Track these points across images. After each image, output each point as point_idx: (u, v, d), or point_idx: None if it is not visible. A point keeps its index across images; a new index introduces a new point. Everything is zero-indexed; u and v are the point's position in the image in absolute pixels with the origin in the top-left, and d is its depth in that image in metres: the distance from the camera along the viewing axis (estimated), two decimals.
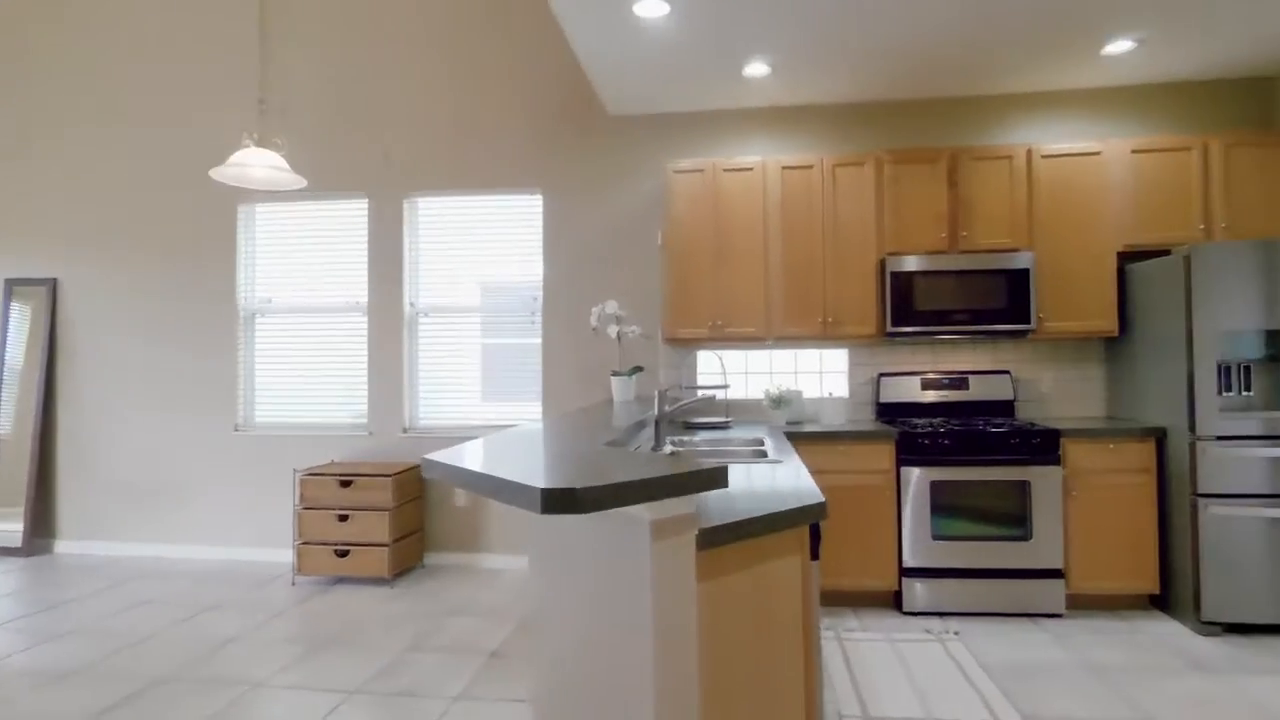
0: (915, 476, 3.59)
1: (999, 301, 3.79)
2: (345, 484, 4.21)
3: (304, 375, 4.88)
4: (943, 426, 3.64)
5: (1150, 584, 3.50)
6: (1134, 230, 3.80)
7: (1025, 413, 4.17)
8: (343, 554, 4.17)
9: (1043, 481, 3.51)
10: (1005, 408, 4.08)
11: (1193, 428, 3.29)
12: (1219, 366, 3.25)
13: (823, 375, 4.37)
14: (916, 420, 3.94)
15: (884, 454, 3.64)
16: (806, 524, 1.65)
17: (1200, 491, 3.27)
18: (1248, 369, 3.24)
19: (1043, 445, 3.52)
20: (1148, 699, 2.67)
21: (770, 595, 1.56)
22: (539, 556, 1.95)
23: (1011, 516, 3.53)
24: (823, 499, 1.74)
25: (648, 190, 4.48)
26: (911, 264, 3.84)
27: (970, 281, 3.80)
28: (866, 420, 4.18)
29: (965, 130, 4.30)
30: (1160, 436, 3.51)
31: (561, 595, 1.74)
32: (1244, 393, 3.24)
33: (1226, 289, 3.23)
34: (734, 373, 4.38)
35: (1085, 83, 4.09)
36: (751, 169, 4.04)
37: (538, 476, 1.23)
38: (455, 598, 3.96)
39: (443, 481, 1.60)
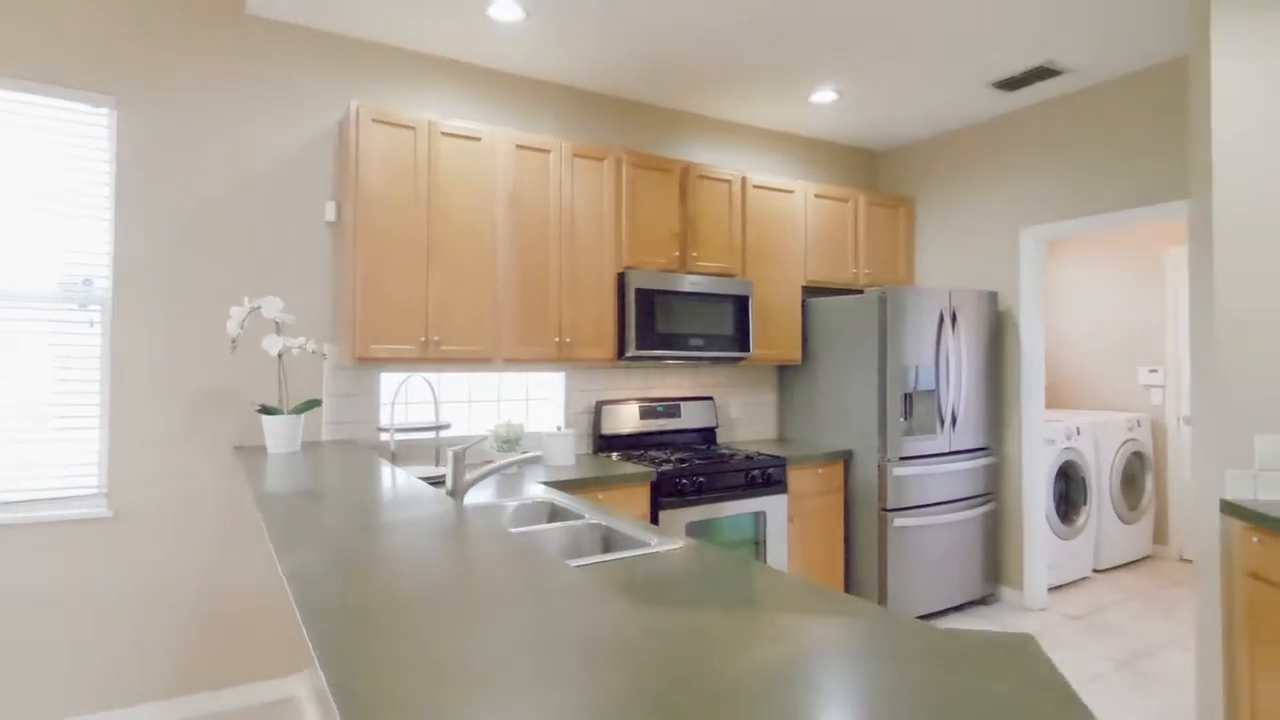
0: (672, 520, 3.19)
1: (727, 328, 3.69)
2: None
3: None
4: (688, 463, 3.34)
5: (839, 588, 3.80)
6: (814, 268, 4.14)
7: (721, 438, 4.20)
8: None
9: (774, 509, 3.50)
10: (710, 434, 4.02)
11: (883, 450, 3.69)
12: (903, 395, 3.71)
13: (529, 403, 3.65)
14: (656, 454, 3.55)
15: (641, 497, 3.15)
16: None
17: (887, 507, 3.68)
18: (910, 397, 3.78)
19: (775, 476, 3.51)
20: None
21: None
22: None
23: (749, 544, 3.43)
24: None
25: (314, 137, 3.09)
26: (653, 281, 3.45)
27: (704, 305, 3.61)
28: (604, 457, 3.62)
29: (695, 148, 4.16)
30: (848, 459, 3.86)
31: None
32: (907, 419, 3.77)
33: (905, 326, 3.72)
34: (416, 403, 3.32)
35: (795, 126, 4.34)
36: (480, 139, 3.10)
37: None
38: None
39: None
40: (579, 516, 2.27)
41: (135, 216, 2.74)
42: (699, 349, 3.58)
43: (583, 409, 3.71)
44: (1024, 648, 0.88)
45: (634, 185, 3.51)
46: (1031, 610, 3.98)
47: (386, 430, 2.92)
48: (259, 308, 2.63)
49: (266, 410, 2.66)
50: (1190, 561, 4.93)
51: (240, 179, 2.92)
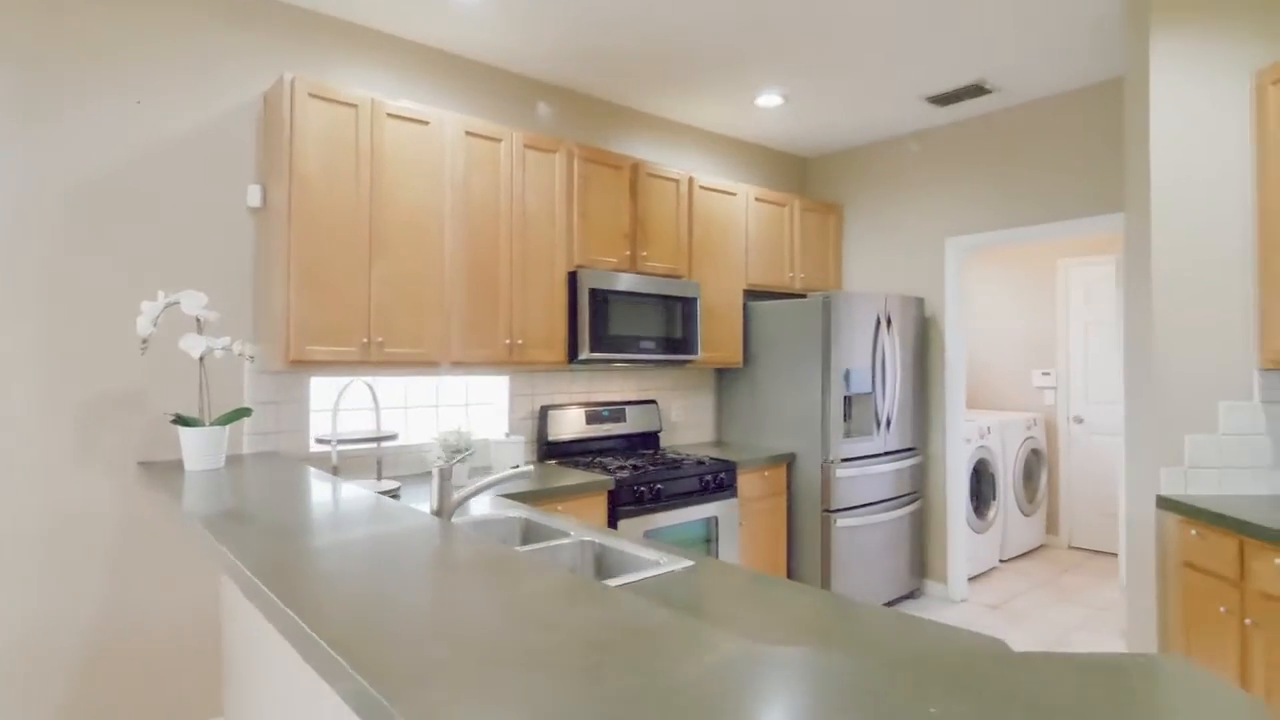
0: (631, 528, 3.08)
1: (677, 330, 3.62)
2: None
3: None
4: (644, 470, 3.23)
5: None
6: (755, 271, 4.15)
7: (664, 441, 4.12)
8: None
9: (726, 513, 3.47)
10: (654, 438, 3.94)
11: (826, 453, 3.74)
12: (845, 398, 3.78)
13: (469, 409, 3.42)
14: (606, 460, 3.40)
15: (599, 506, 3.01)
16: None
17: (830, 508, 3.73)
18: (850, 399, 3.87)
19: (727, 480, 3.48)
20: None
21: None
22: None
23: (701, 549, 3.37)
24: None
25: (232, 110, 2.72)
26: (606, 281, 3.32)
27: (655, 307, 3.51)
28: (551, 464, 3.43)
29: (638, 144, 4.06)
30: (791, 461, 3.89)
31: None
32: (848, 421, 3.85)
33: (845, 330, 3.79)
34: (350, 410, 3.02)
35: (734, 129, 4.31)
36: (428, 123, 2.85)
37: None
38: None
39: None
40: (562, 534, 2.11)
41: (2, 201, 2.30)
42: (650, 352, 3.49)
43: (526, 414, 3.52)
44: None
45: (585, 180, 3.37)
46: (955, 602, 4.18)
47: (326, 441, 2.62)
48: (177, 303, 2.27)
49: (183, 421, 2.30)
50: (1080, 549, 5.37)
51: (140, 155, 2.52)
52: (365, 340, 2.67)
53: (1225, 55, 2.58)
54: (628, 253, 3.53)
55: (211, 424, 2.33)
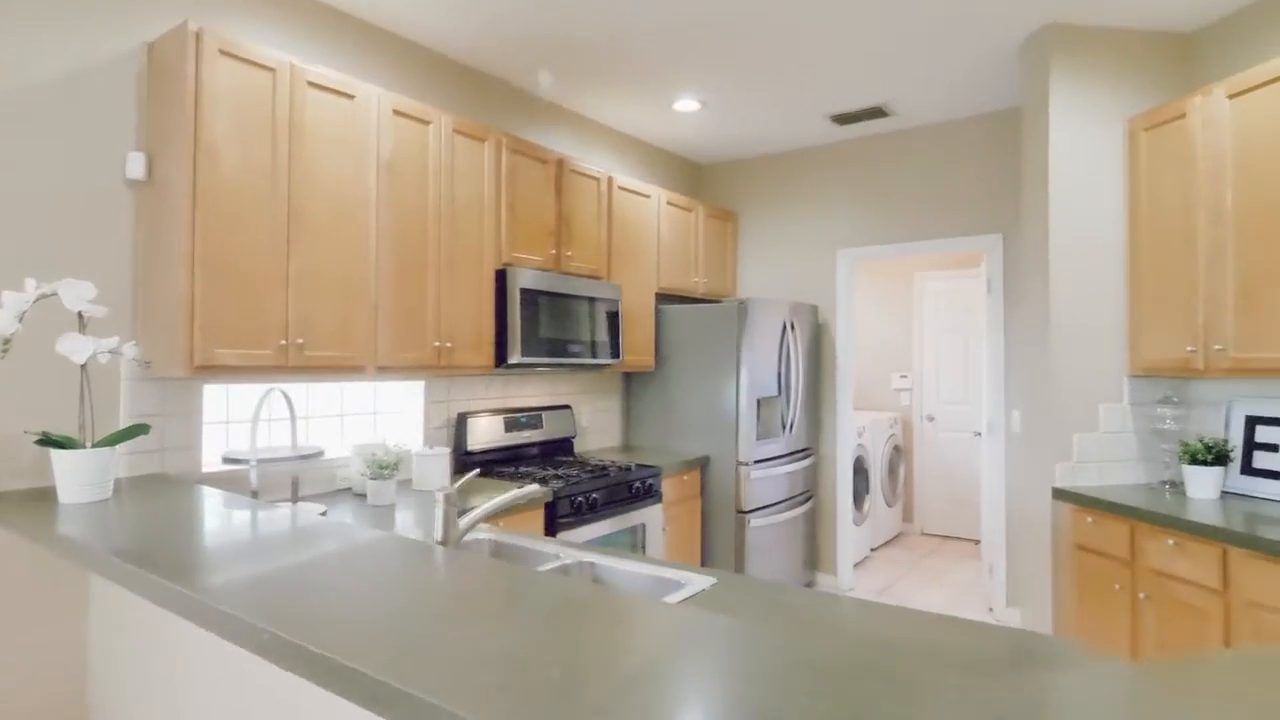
0: (570, 540, 2.94)
1: (602, 333, 3.52)
2: None
3: None
4: (578, 480, 3.10)
5: None
6: (665, 274, 4.15)
7: (578, 447, 3.98)
8: None
9: (652, 520, 3.42)
10: (568, 444, 3.80)
11: (740, 455, 3.82)
12: (756, 401, 3.88)
13: (376, 418, 3.10)
14: (529, 469, 3.20)
15: (536, 520, 2.84)
16: None
17: (743, 509, 3.82)
18: (760, 402, 3.98)
19: (654, 486, 3.43)
20: None
21: None
22: None
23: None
24: None
25: (111, 59, 2.23)
26: (536, 280, 3.15)
27: (581, 308, 3.39)
28: (473, 477, 3.17)
29: (564, 142, 3.90)
30: (704, 464, 3.93)
31: None
32: (757, 424, 3.96)
33: (757, 335, 3.89)
34: (241, 422, 2.61)
35: (649, 133, 4.23)
36: (354, 97, 2.53)
37: None
38: None
39: None
40: (549, 557, 1.95)
41: None
42: (577, 356, 3.36)
43: (442, 423, 3.25)
44: None
45: (513, 173, 3.17)
46: (845, 591, 4.45)
47: (238, 460, 2.22)
48: (54, 294, 1.81)
49: (54, 442, 1.85)
50: (932, 535, 5.95)
51: None
52: (283, 342, 2.31)
53: (1107, 101, 2.96)
54: (553, 251, 3.38)
55: (96, 445, 1.89)
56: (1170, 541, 2.40)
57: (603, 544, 3.10)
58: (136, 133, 2.29)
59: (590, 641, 0.96)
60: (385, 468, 2.56)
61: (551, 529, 2.88)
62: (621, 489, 3.23)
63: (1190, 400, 2.96)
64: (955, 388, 5.82)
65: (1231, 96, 2.50)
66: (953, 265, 5.87)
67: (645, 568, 1.78)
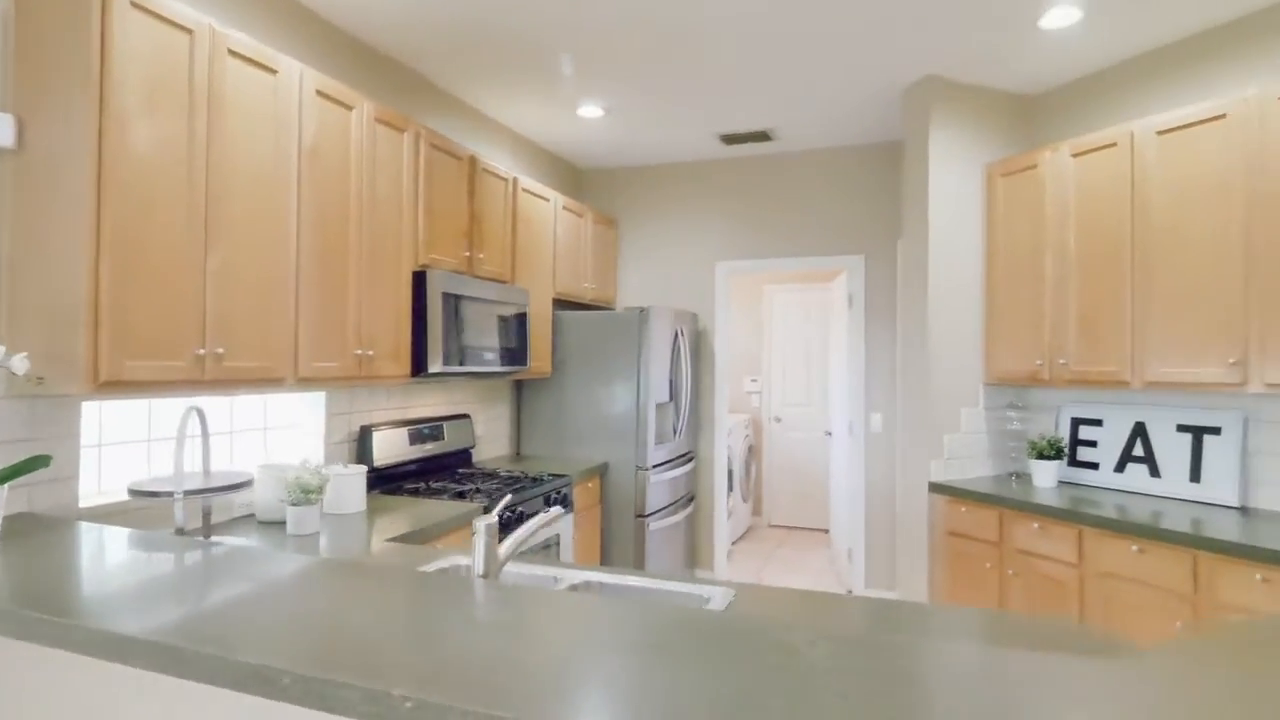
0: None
1: (513, 339, 3.40)
2: None
3: None
4: (500, 493, 2.98)
5: None
6: (561, 279, 4.10)
7: (476, 457, 3.80)
8: None
9: (565, 529, 3.38)
10: (467, 455, 3.62)
11: (641, 460, 3.89)
12: (655, 406, 3.97)
13: (267, 434, 2.76)
14: (440, 484, 3.00)
15: (467, 539, 2.69)
16: None
17: (643, 513, 3.89)
18: (657, 408, 4.08)
19: (568, 495, 3.39)
20: None
21: None
22: None
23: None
24: None
25: None
26: (455, 284, 2.97)
27: (495, 313, 3.25)
28: (381, 495, 2.89)
29: (478, 143, 3.71)
30: (604, 471, 3.94)
31: None
32: (656, 429, 4.06)
33: (654, 342, 3.99)
34: (115, 444, 2.20)
35: (549, 135, 4.10)
36: (277, 71, 2.22)
37: None
38: None
39: None
40: (545, 579, 1.87)
41: None
42: (492, 363, 3.22)
43: (343, 437, 2.95)
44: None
45: (431, 168, 2.96)
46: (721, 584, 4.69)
47: (152, 492, 1.84)
48: None
49: None
50: (779, 527, 6.44)
51: None
52: (201, 351, 1.98)
53: (973, 148, 3.44)
54: (466, 254, 3.20)
55: None
56: (1035, 525, 2.86)
57: (530, 556, 3.00)
58: (2, 87, 1.83)
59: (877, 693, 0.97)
60: (310, 492, 2.28)
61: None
62: (538, 501, 3.15)
63: (1030, 405, 3.54)
64: (799, 391, 6.37)
65: (1075, 155, 3.04)
66: (799, 279, 6.42)
67: (656, 584, 1.79)
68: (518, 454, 4.18)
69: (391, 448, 3.06)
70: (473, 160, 3.25)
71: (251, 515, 2.48)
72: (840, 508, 4.80)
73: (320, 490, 2.30)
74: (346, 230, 2.51)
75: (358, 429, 3.01)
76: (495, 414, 4.06)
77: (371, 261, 2.63)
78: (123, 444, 2.20)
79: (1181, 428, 2.92)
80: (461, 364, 2.99)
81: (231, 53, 2.07)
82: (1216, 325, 2.56)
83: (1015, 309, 3.30)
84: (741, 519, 5.95)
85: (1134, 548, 2.51)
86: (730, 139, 4.30)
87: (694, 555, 4.67)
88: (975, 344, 3.46)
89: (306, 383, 2.34)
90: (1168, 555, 2.41)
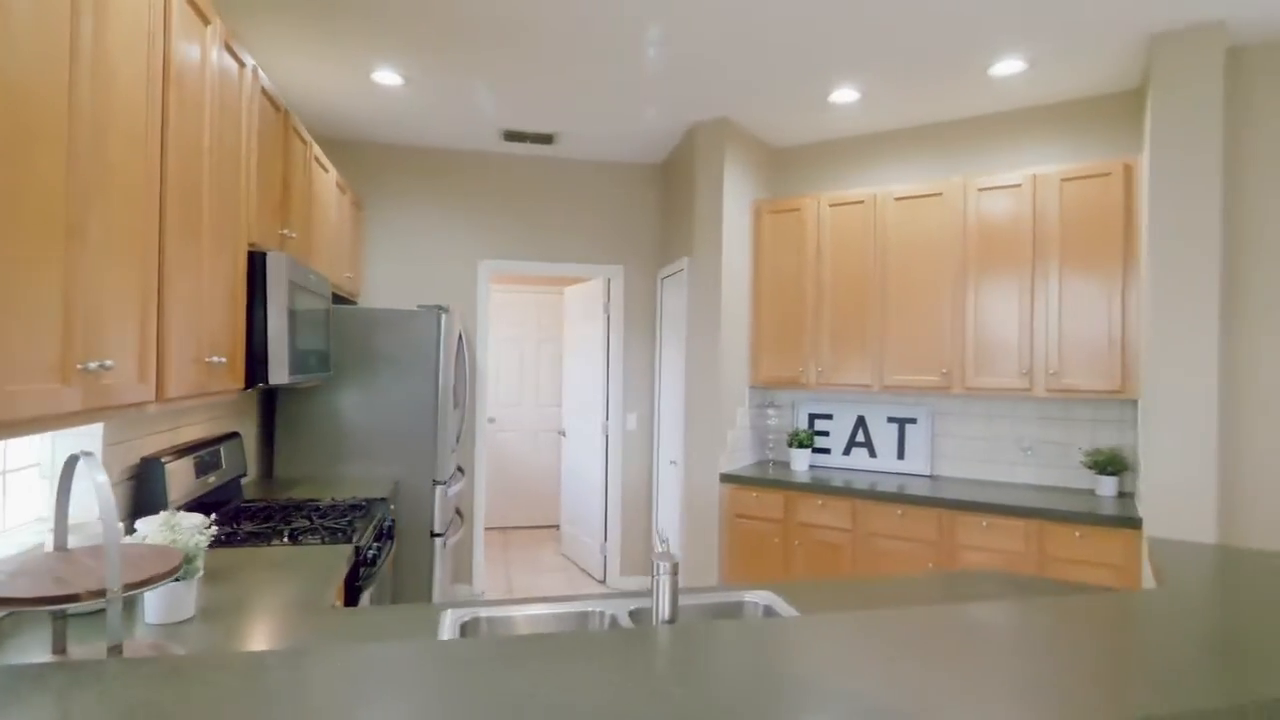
0: (370, 598, 2.34)
1: (325, 340, 2.79)
2: None
3: None
4: (346, 529, 2.46)
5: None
6: (336, 268, 3.47)
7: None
8: None
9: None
10: (238, 486, 2.84)
11: (436, 474, 3.54)
12: (449, 415, 3.64)
13: (4, 477, 1.85)
14: (252, 526, 2.32)
15: (335, 585, 2.19)
16: None
17: (436, 531, 3.56)
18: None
19: (395, 522, 2.93)
20: None
21: None
22: None
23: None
24: None
25: None
26: (291, 270, 2.35)
27: (320, 308, 2.65)
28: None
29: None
30: (396, 488, 3.47)
31: None
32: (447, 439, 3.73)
33: (446, 346, 3.66)
34: None
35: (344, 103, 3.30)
36: None
37: None
38: None
39: None
40: (577, 616, 1.71)
41: None
42: (316, 370, 2.62)
43: (121, 474, 2.09)
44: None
45: (261, 118, 2.29)
46: (478, 595, 4.51)
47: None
48: None
49: None
50: (494, 529, 6.34)
51: None
52: (80, 366, 1.28)
53: (743, 183, 4.02)
54: (281, 231, 2.55)
55: None
56: (819, 502, 3.53)
57: (384, 590, 2.55)
58: None
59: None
60: (189, 560, 1.62)
61: (353, 596, 2.26)
62: (375, 529, 2.69)
63: (779, 404, 4.29)
64: (512, 391, 6.40)
65: (832, 205, 3.82)
66: (518, 281, 6.42)
67: (687, 597, 1.80)
68: (271, 477, 3.40)
69: (181, 484, 2.27)
70: (288, 114, 2.60)
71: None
72: (585, 503, 5.03)
73: (196, 561, 1.66)
74: (201, 191, 1.83)
75: (138, 460, 2.16)
76: (241, 430, 3.24)
77: (217, 237, 1.95)
78: None
79: (891, 419, 3.93)
80: (302, 372, 2.39)
81: None
82: (932, 346, 3.55)
83: (781, 324, 3.98)
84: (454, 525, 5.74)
85: (898, 511, 3.32)
86: (512, 135, 4.17)
87: (460, 571, 4.40)
88: (744, 353, 4.06)
89: (167, 404, 1.65)
90: (921, 515, 3.27)
